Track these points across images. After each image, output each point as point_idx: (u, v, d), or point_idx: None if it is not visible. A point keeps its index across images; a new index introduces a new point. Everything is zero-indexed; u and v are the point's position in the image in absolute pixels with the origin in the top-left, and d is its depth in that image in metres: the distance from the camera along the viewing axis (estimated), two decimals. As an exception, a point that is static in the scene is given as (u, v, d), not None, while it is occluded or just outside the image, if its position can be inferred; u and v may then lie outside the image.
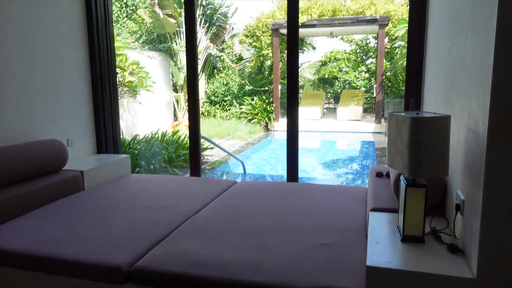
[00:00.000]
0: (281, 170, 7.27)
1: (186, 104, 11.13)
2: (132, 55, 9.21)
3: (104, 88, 4.09)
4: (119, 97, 8.56)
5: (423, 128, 1.65)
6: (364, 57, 16.01)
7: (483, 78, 1.45)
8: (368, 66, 15.55)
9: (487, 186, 1.41)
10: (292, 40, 3.58)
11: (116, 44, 7.24)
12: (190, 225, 2.45)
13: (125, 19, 11.00)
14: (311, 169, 7.40)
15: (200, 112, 12.83)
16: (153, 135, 7.11)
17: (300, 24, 10.96)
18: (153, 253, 2.04)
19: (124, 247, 2.11)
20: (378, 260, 1.62)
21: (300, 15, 11.04)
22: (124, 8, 10.95)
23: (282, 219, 2.50)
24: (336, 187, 3.33)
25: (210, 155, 7.73)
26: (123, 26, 11.14)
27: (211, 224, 2.43)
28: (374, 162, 7.56)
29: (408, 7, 3.19)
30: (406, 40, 8.00)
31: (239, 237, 2.22)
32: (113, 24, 10.75)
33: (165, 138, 7.06)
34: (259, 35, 12.05)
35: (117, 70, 7.43)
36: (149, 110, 10.50)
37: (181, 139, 7.25)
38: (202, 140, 7.01)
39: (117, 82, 7.89)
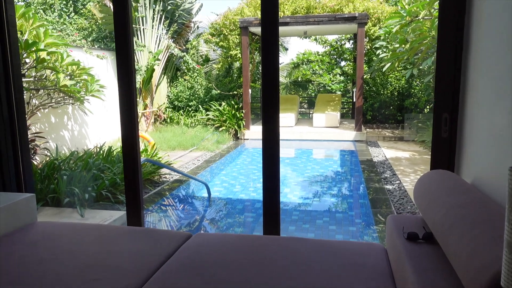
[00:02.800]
0: (253, 192, 6.14)
1: (143, 111, 9.84)
2: (78, 55, 7.84)
3: (-4, 99, 2.82)
4: (55, 104, 7.19)
5: None
6: (338, 59, 15.18)
7: None
8: (343, 69, 14.71)
9: None
10: (270, 31, 2.47)
11: (49, 41, 5.91)
12: None
13: (72, 13, 9.58)
14: (288, 190, 6.31)
15: (162, 118, 11.52)
16: (94, 151, 5.81)
17: (271, 22, 9.88)
18: None
19: None
20: None
21: (271, 11, 9.97)
22: (70, 2, 9.52)
23: None
24: (336, 245, 2.23)
25: (168, 173, 6.49)
26: (70, 22, 9.70)
27: None
28: (361, 178, 6.55)
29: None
30: (388, 40, 7.07)
31: None
32: (58, 20, 9.31)
33: (110, 155, 5.77)
34: (226, 33, 10.89)
35: (49, 72, 6.09)
36: (101, 118, 9.12)
37: (132, 155, 5.98)
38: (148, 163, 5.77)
39: (52, 87, 6.54)
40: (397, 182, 5.98)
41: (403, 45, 6.04)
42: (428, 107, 10.62)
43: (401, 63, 8.83)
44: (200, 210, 5.43)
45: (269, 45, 2.49)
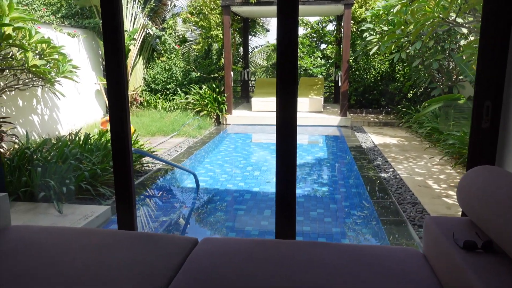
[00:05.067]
0: (241, 182, 5.82)
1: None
2: (46, 32, 7.18)
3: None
4: (23, 86, 6.58)
5: None
6: (318, 42, 14.89)
7: None
8: (324, 52, 14.44)
9: None
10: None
11: (15, 15, 5.30)
12: None
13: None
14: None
15: (139, 101, 10.94)
16: (69, 138, 5.32)
17: (255, 1, 9.45)
18: None
19: None
20: None
21: (255, -10, 9.51)
22: (36, -27, 8.73)
23: None
24: (366, 250, 1.96)
25: (150, 162, 6.07)
26: (37, -4, 8.92)
27: None
28: (354, 166, 6.35)
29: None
30: (376, 23, 6.83)
31: None
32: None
33: (88, 142, 5.29)
34: (206, 13, 10.35)
35: (15, 50, 5.50)
36: (73, 101, 8.51)
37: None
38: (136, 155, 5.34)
39: (19, 67, 5.94)
40: (391, 170, 5.81)
41: (402, 27, 5.79)
42: (411, 92, 10.53)
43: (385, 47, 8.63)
44: (188, 202, 5.07)
45: (286, 17, 2.13)
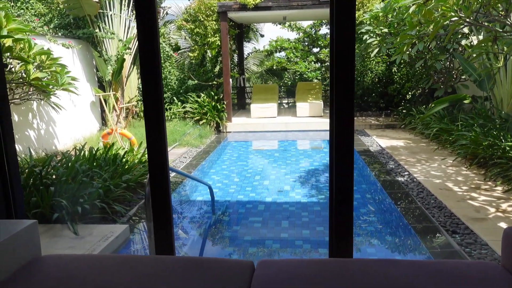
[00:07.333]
0: (252, 192, 5.65)
1: (121, 106, 9.03)
2: (40, 43, 6.91)
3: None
4: (20, 99, 6.30)
5: None
6: (310, 46, 14.86)
7: None
8: (318, 56, 14.40)
9: None
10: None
11: (12, 26, 5.06)
12: None
13: (29, -3, 8.51)
14: (288, 187, 5.86)
15: (134, 112, 10.67)
16: (77, 154, 5.07)
17: (252, 6, 9.32)
18: None
19: None
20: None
21: (251, -5, 9.39)
22: (26, -17, 8.45)
23: None
24: (440, 266, 1.81)
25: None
26: (27, 8, 8.62)
27: None
28: (367, 170, 6.23)
29: None
30: (375, 25, 6.76)
31: None
32: (12, 4, 8.24)
33: (96, 157, 5.05)
34: (202, 19, 10.17)
35: (17, 62, 5.24)
36: (69, 114, 8.22)
37: (119, 156, 5.28)
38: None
39: (20, 79, 5.67)
40: (406, 173, 5.70)
41: (417, 27, 5.71)
42: (410, 93, 10.52)
43: (386, 49, 8.59)
44: (205, 217, 4.87)
45: (343, 21, 1.97)
